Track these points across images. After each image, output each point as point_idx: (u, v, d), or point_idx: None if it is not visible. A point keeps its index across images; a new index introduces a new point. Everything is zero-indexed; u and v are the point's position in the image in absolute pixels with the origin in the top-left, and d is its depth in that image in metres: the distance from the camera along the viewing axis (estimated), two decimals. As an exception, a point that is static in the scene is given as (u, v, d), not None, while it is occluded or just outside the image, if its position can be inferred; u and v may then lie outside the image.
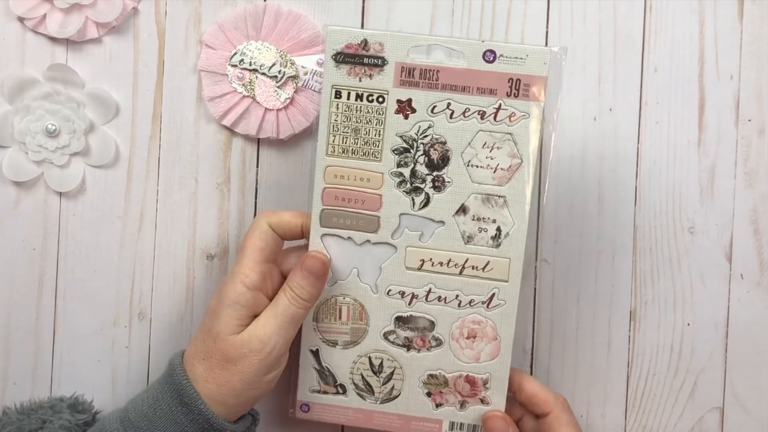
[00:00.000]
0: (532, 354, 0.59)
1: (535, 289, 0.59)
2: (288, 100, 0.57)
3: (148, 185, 0.59)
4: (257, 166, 0.59)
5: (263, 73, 0.57)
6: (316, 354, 0.54)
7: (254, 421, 0.54)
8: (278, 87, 0.57)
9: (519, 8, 0.58)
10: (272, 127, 0.58)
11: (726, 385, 0.59)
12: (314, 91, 0.57)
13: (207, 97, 0.58)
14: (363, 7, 0.58)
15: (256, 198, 0.59)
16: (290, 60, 0.57)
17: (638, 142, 0.59)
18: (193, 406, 0.49)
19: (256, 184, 0.59)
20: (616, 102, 0.59)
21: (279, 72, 0.57)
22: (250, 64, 0.57)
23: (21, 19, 0.57)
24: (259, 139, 0.59)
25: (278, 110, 0.57)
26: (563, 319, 0.59)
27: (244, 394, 0.50)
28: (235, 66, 0.57)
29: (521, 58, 0.50)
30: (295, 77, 0.57)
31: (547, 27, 0.59)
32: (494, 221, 0.52)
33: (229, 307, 0.50)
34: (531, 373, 0.59)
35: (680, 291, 0.59)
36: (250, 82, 0.57)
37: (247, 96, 0.57)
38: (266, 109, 0.57)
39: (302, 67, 0.57)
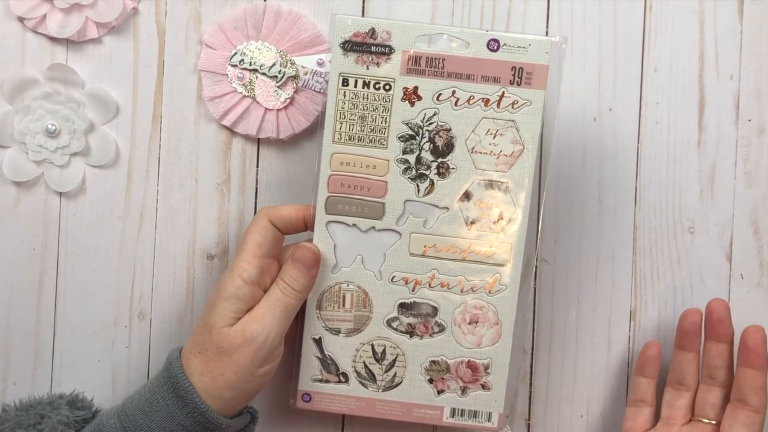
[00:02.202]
0: (532, 354, 0.59)
1: (535, 289, 0.59)
2: (288, 100, 0.57)
3: (148, 185, 0.59)
4: (257, 166, 0.59)
5: (263, 73, 0.57)
6: (318, 342, 0.55)
7: (253, 419, 0.54)
8: (278, 87, 0.57)
9: (519, 8, 0.59)
10: (272, 127, 0.58)
11: (726, 385, 0.59)
12: (314, 91, 0.57)
13: (207, 97, 0.58)
14: (363, 8, 0.58)
15: (256, 198, 0.59)
16: (290, 60, 0.57)
17: (638, 142, 0.59)
18: (189, 400, 0.50)
19: (256, 184, 0.59)
20: (616, 102, 0.59)
21: (279, 72, 0.57)
22: (250, 64, 0.57)
23: (21, 19, 0.57)
24: (259, 139, 0.59)
25: (278, 110, 0.58)
26: (563, 319, 0.59)
27: (238, 387, 0.50)
28: (235, 66, 0.57)
29: (524, 47, 0.51)
30: (295, 77, 0.57)
31: (547, 27, 0.59)
32: (497, 207, 0.53)
33: (225, 300, 0.51)
34: (531, 374, 0.59)
35: (680, 291, 0.59)
36: (250, 82, 0.57)
37: (247, 96, 0.57)
38: (266, 109, 0.57)
39: (302, 67, 0.57)
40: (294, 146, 0.59)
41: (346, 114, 0.53)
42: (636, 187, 0.59)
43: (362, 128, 0.52)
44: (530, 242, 0.55)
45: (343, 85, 0.52)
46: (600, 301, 0.59)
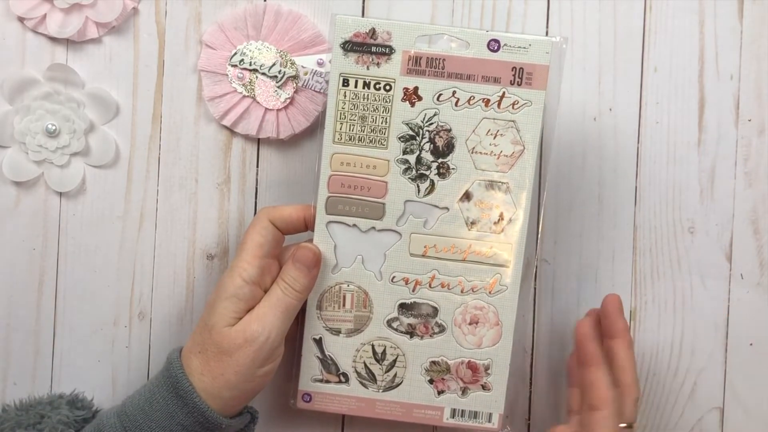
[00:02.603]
0: (532, 354, 0.59)
1: (535, 289, 0.59)
2: (288, 100, 0.57)
3: (148, 185, 0.59)
4: (257, 166, 0.59)
5: (263, 73, 0.57)
6: (319, 342, 0.55)
7: (253, 419, 0.54)
8: (278, 87, 0.57)
9: (519, 8, 0.58)
10: (272, 127, 0.58)
11: (726, 385, 0.59)
12: (314, 91, 0.57)
13: (207, 97, 0.58)
14: (363, 8, 0.58)
15: (256, 198, 0.59)
16: (290, 60, 0.57)
17: (638, 142, 0.59)
18: (188, 400, 0.50)
19: (256, 184, 0.59)
20: (616, 102, 0.59)
21: (279, 72, 0.57)
22: (250, 64, 0.57)
23: (21, 19, 0.57)
24: (259, 139, 0.59)
25: (278, 110, 0.58)
26: (563, 319, 0.59)
27: (238, 387, 0.50)
28: (235, 66, 0.57)
29: (524, 48, 0.52)
30: (295, 77, 0.57)
31: (547, 27, 0.59)
32: (497, 207, 0.53)
33: (226, 300, 0.51)
34: (531, 374, 0.59)
35: (680, 291, 0.59)
36: (250, 82, 0.57)
37: (247, 96, 0.57)
38: (266, 109, 0.57)
39: (302, 67, 0.57)
40: (294, 146, 0.59)
41: (346, 114, 0.53)
42: (636, 187, 0.59)
43: (362, 128, 0.53)
44: (530, 242, 0.55)
45: (343, 85, 0.52)
46: (600, 301, 0.59)
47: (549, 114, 0.53)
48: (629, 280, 0.59)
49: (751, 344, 0.59)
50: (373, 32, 0.52)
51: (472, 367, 0.54)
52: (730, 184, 0.59)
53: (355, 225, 0.53)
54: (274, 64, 0.57)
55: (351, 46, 0.52)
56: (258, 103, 0.57)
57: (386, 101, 0.52)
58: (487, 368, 0.54)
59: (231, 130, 0.58)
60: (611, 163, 0.59)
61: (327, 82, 0.57)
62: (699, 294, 0.59)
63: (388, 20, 0.52)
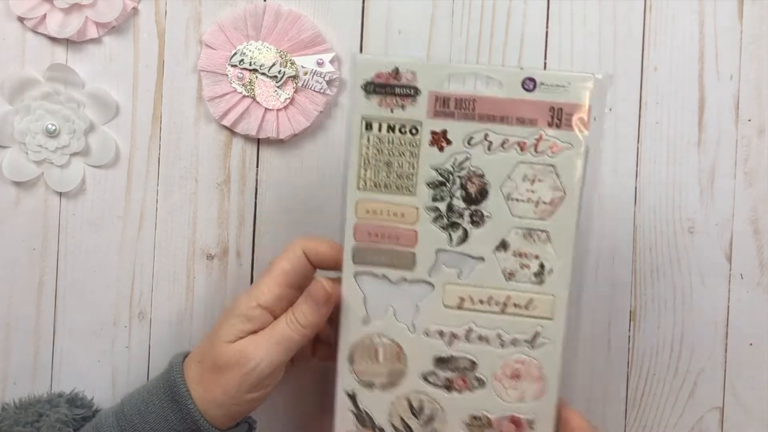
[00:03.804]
0: (532, 354, 0.59)
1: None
2: (288, 100, 0.57)
3: (148, 185, 0.59)
4: (257, 166, 0.59)
5: (263, 73, 0.57)
6: (353, 397, 0.52)
7: (250, 428, 0.54)
8: (278, 87, 0.57)
9: (519, 8, 0.58)
10: (272, 127, 0.58)
11: (726, 385, 0.59)
12: (314, 91, 0.57)
13: (207, 97, 0.58)
14: (363, 8, 0.58)
15: (256, 198, 0.59)
16: (290, 60, 0.57)
17: (638, 142, 0.59)
18: (183, 405, 0.49)
19: (256, 184, 0.59)
20: (616, 102, 0.59)
21: (279, 72, 0.57)
22: (250, 64, 0.57)
23: (21, 19, 0.57)
24: (259, 139, 0.59)
25: (278, 110, 0.58)
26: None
27: (224, 406, 0.49)
28: (235, 66, 0.57)
29: (563, 86, 0.48)
30: (295, 77, 0.57)
31: (546, 27, 0.59)
32: (537, 257, 0.50)
33: (235, 317, 0.50)
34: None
35: (680, 291, 0.59)
36: (250, 82, 0.57)
37: (247, 96, 0.57)
38: (266, 109, 0.57)
39: (302, 67, 0.57)
40: (294, 146, 0.59)
41: (370, 159, 0.49)
42: (636, 187, 0.59)
43: (388, 174, 0.49)
44: (574, 278, 0.52)
45: (366, 129, 0.49)
46: (600, 301, 0.59)
47: (592, 156, 0.50)
48: (629, 280, 0.59)
49: (751, 344, 0.59)
50: (396, 72, 0.49)
51: (515, 421, 0.51)
52: (730, 184, 0.59)
53: (384, 275, 0.50)
54: (274, 64, 0.57)
55: (373, 88, 0.49)
56: (258, 103, 0.57)
57: (413, 146, 0.49)
58: (531, 423, 0.50)
59: (231, 130, 0.58)
60: (611, 163, 0.59)
61: (327, 82, 0.57)
62: (699, 294, 0.59)
63: (413, 60, 0.49)
